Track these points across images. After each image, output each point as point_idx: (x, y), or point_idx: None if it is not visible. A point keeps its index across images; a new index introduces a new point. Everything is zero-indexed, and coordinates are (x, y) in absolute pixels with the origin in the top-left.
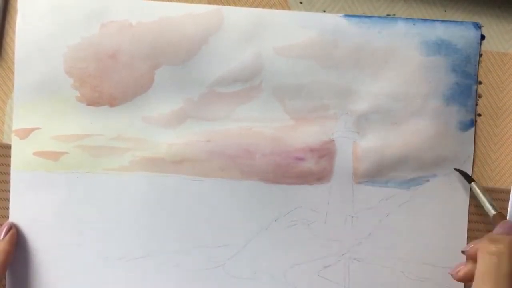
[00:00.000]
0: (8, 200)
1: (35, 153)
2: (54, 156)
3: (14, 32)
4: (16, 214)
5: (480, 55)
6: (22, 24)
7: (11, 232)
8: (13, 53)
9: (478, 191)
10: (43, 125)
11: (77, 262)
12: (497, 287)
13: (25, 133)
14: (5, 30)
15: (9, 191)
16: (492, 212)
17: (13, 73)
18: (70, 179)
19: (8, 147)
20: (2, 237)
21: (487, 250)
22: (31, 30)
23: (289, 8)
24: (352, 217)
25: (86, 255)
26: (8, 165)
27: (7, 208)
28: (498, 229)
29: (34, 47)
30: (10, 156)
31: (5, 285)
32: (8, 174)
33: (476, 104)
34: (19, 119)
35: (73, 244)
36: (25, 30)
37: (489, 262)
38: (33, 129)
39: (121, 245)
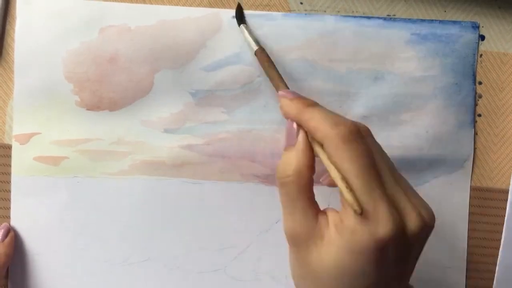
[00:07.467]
0: (9, 200)
1: (35, 158)
2: (55, 161)
3: (14, 32)
4: (17, 219)
5: (480, 55)
6: (21, 30)
7: (10, 234)
8: (14, 52)
9: (245, 32)
10: (43, 130)
11: (78, 266)
12: None
13: (25, 138)
14: (5, 30)
15: (9, 191)
16: (255, 47)
17: (13, 72)
18: (70, 183)
19: (9, 147)
20: (0, 239)
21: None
22: (30, 35)
23: (289, 9)
24: None
25: (87, 259)
26: (9, 165)
27: (8, 208)
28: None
29: (33, 52)
30: (10, 156)
31: None
32: (9, 174)
33: (476, 104)
34: (19, 124)
35: (74, 248)
36: (24, 35)
37: None
38: (33, 134)
39: (122, 249)
